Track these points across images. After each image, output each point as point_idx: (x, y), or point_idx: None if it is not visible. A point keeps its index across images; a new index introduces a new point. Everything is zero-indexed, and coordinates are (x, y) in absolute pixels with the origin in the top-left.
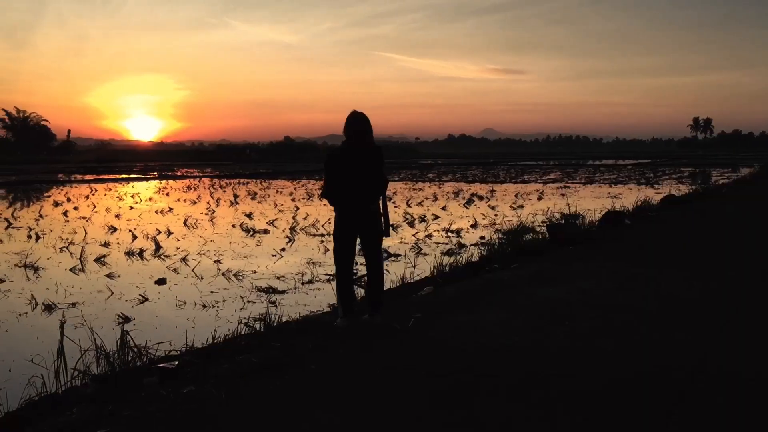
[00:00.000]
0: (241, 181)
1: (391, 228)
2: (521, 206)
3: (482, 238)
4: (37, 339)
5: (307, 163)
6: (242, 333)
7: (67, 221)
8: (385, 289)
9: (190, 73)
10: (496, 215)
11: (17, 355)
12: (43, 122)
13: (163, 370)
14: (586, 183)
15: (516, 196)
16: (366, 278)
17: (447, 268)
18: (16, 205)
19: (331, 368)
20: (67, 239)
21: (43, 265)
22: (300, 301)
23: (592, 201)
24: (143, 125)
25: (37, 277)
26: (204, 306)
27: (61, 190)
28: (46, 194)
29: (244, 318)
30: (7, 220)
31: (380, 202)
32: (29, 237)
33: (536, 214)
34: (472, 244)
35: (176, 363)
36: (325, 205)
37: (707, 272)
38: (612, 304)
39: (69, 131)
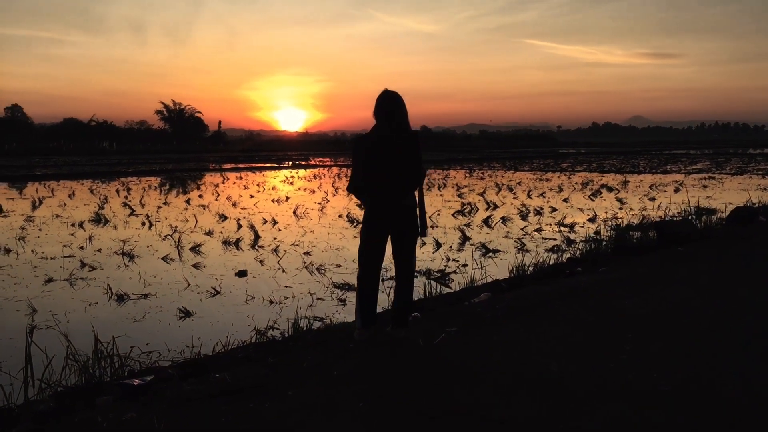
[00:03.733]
0: None
1: (428, 227)
2: (653, 199)
3: (597, 233)
4: (88, 334)
5: (441, 152)
6: (254, 341)
7: (186, 209)
8: (444, 292)
9: (332, 64)
10: (620, 208)
11: (59, 350)
12: (197, 114)
13: (123, 387)
14: (736, 174)
15: (650, 187)
16: (394, 283)
17: (530, 269)
18: (149, 193)
19: (308, 396)
20: (175, 227)
21: (139, 253)
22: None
23: (735, 194)
24: (290, 116)
25: (127, 266)
26: (271, 302)
27: (199, 179)
28: (181, 182)
29: (272, 322)
30: (131, 207)
31: (416, 196)
32: (143, 224)
33: (665, 208)
34: (581, 240)
35: (150, 378)
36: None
37: None
38: (699, 323)
39: (220, 122)
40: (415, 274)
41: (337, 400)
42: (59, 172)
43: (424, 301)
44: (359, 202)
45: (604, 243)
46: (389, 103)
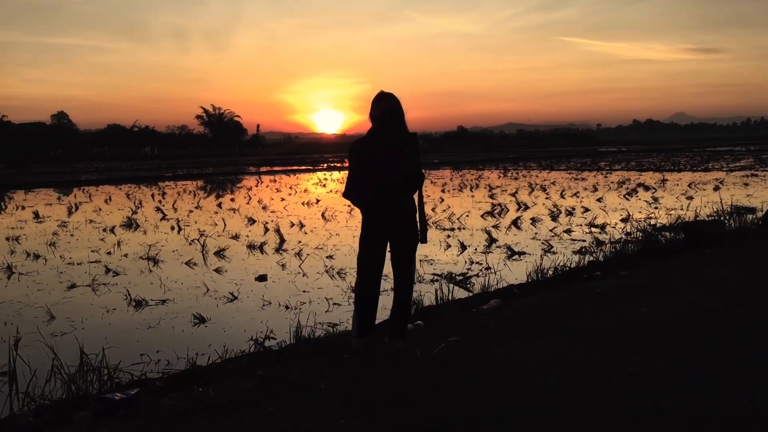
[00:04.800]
0: None
1: (428, 232)
2: (690, 198)
3: (628, 234)
4: (91, 343)
5: (477, 153)
6: (250, 352)
7: (216, 213)
8: (455, 298)
9: (371, 66)
10: (656, 208)
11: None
12: (236, 118)
13: (104, 402)
14: None
15: (689, 186)
16: (393, 292)
17: (549, 272)
18: (183, 197)
19: (290, 413)
20: (203, 231)
21: (163, 258)
22: (388, 304)
23: None
24: (327, 119)
25: (151, 271)
26: (287, 307)
27: (235, 182)
28: (217, 186)
29: (279, 329)
30: (163, 212)
31: (416, 201)
32: (172, 229)
33: (696, 208)
34: (611, 242)
35: (134, 392)
36: (349, 205)
37: None
38: (718, 332)
39: (258, 126)
40: (435, 277)
41: (320, 416)
42: (100, 178)
43: (433, 308)
44: (354, 207)
45: (630, 245)
46: (386, 105)
